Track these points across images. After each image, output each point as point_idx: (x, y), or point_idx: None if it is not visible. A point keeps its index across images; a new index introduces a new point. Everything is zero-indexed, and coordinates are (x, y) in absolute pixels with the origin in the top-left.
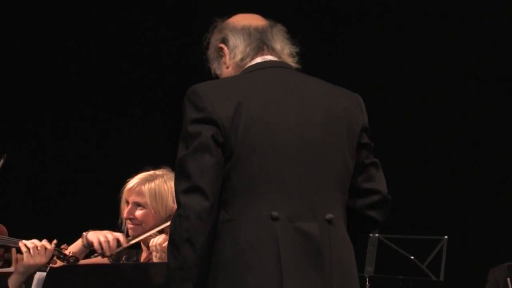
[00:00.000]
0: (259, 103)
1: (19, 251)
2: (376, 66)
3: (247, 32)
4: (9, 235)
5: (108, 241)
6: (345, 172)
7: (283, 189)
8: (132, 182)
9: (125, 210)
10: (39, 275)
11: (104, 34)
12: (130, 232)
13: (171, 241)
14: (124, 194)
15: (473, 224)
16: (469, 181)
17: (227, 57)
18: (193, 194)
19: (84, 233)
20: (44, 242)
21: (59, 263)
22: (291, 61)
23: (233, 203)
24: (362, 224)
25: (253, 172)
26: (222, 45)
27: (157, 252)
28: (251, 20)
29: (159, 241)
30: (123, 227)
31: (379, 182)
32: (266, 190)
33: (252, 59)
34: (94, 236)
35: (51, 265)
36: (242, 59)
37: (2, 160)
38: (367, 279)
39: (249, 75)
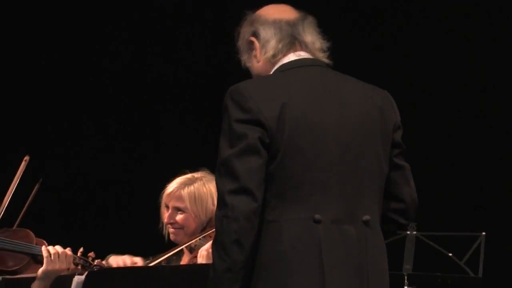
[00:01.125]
0: (302, 104)
1: None
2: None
3: (278, 26)
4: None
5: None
6: (381, 173)
7: (326, 191)
8: (171, 186)
9: (165, 215)
10: (78, 279)
11: (139, 35)
12: (171, 236)
13: (217, 242)
14: (164, 199)
15: (511, 219)
16: (506, 176)
17: (258, 51)
18: (241, 196)
19: (108, 255)
20: (67, 249)
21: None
22: (322, 56)
23: (276, 204)
24: (386, 223)
25: (296, 174)
26: (253, 39)
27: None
28: (282, 13)
29: (206, 247)
30: (164, 232)
31: (405, 188)
32: (310, 192)
33: (285, 55)
34: (114, 261)
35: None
36: (274, 56)
37: (37, 185)
38: (405, 276)
39: (288, 74)
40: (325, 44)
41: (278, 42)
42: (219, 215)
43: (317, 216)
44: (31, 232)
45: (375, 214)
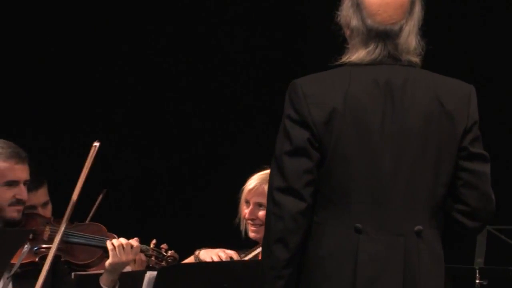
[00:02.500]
0: (356, 110)
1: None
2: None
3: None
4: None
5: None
6: (438, 183)
7: (372, 201)
8: (253, 182)
9: (244, 211)
10: (150, 275)
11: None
12: (252, 234)
13: (264, 239)
14: (245, 195)
15: None
16: None
17: (349, 36)
18: (288, 195)
19: (196, 251)
20: (132, 240)
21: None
22: (412, 54)
23: (323, 206)
24: (452, 225)
25: (342, 181)
26: (347, 25)
27: None
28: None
29: None
30: (241, 227)
31: (471, 192)
32: (355, 201)
33: (367, 46)
34: (207, 255)
35: (150, 265)
36: (357, 46)
37: (101, 195)
38: (477, 270)
39: (353, 73)
40: (420, 45)
41: (362, 34)
42: (268, 211)
43: (358, 226)
44: (103, 226)
45: (429, 224)
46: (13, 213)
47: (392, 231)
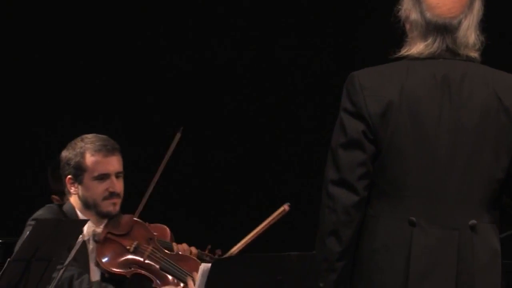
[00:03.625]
0: (412, 104)
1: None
2: None
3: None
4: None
5: None
6: (495, 177)
7: (426, 194)
8: None
9: None
10: (204, 266)
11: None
12: None
13: (319, 232)
14: None
15: None
16: None
17: (408, 29)
18: (341, 188)
19: None
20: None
21: None
22: (471, 49)
23: (378, 199)
24: (507, 222)
25: (397, 174)
26: (407, 18)
27: None
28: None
29: None
30: None
31: None
32: (409, 194)
33: (425, 40)
34: None
35: None
36: (415, 39)
37: (179, 135)
38: None
39: (411, 66)
40: (480, 40)
41: (423, 27)
42: (322, 204)
43: (412, 219)
44: (166, 227)
45: (484, 219)
46: (108, 207)
47: (446, 224)
